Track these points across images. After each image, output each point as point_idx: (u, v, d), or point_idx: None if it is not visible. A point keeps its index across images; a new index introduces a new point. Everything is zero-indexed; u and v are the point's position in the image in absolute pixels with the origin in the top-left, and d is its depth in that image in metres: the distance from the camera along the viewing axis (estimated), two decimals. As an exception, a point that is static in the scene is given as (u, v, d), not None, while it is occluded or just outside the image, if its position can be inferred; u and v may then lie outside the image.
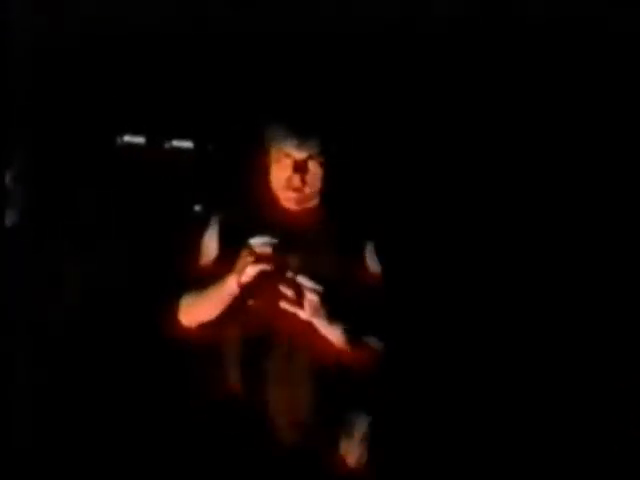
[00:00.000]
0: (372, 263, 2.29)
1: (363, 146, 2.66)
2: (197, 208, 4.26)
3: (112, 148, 3.40)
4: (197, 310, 2.34)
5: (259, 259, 2.13)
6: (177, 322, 2.38)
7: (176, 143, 3.73)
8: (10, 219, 3.27)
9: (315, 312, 2.16)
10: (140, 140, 3.52)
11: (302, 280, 2.14)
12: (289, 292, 2.15)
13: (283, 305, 2.16)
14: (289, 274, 2.14)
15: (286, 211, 2.31)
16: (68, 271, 3.44)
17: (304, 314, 2.16)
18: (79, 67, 3.33)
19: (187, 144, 3.78)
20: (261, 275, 2.15)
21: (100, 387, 3.31)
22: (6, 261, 3.18)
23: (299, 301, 2.15)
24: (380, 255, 2.30)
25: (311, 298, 2.14)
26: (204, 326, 2.33)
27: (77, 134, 3.40)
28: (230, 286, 2.21)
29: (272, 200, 2.32)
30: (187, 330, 2.36)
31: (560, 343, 3.48)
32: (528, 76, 3.28)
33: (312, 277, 2.15)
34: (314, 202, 2.33)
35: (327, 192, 2.30)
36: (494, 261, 3.53)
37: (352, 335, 2.22)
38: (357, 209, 2.38)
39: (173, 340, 2.36)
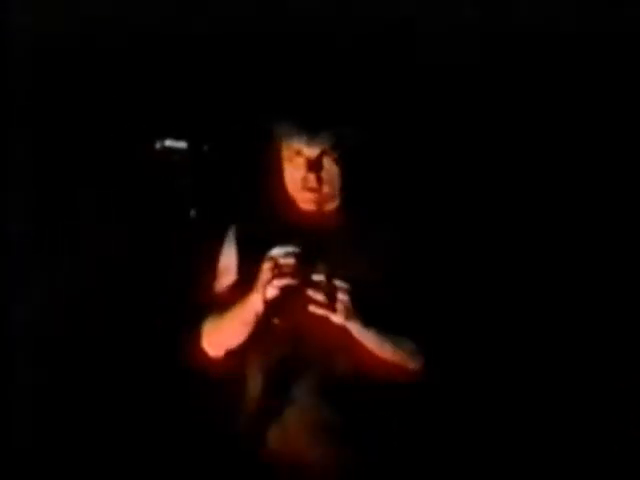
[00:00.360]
0: (402, 265, 2.15)
1: (379, 139, 2.55)
2: (193, 213, 4.24)
3: (115, 148, 3.41)
4: (221, 336, 2.16)
5: (283, 272, 1.97)
6: (201, 351, 2.21)
7: (172, 143, 3.72)
8: (10, 220, 3.27)
9: (348, 313, 2.00)
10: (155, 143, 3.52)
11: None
12: (319, 296, 1.98)
13: (313, 309, 1.99)
14: (318, 277, 1.98)
15: (305, 213, 2.17)
16: (65, 271, 3.45)
17: (337, 317, 2.00)
18: (79, 67, 3.33)
19: (182, 144, 3.77)
20: (286, 289, 1.98)
21: (99, 388, 3.30)
22: (6, 262, 3.19)
23: (330, 305, 1.99)
24: (410, 255, 2.16)
25: (342, 298, 1.99)
26: (232, 354, 2.15)
27: (77, 134, 3.41)
28: (255, 304, 2.03)
29: (289, 203, 2.19)
30: (213, 360, 2.19)
31: (560, 343, 3.48)
32: (529, 77, 3.29)
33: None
34: (334, 204, 2.20)
35: (347, 192, 2.17)
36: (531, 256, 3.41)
37: (388, 339, 2.10)
38: (381, 208, 2.24)
39: (192, 364, 2.21)
